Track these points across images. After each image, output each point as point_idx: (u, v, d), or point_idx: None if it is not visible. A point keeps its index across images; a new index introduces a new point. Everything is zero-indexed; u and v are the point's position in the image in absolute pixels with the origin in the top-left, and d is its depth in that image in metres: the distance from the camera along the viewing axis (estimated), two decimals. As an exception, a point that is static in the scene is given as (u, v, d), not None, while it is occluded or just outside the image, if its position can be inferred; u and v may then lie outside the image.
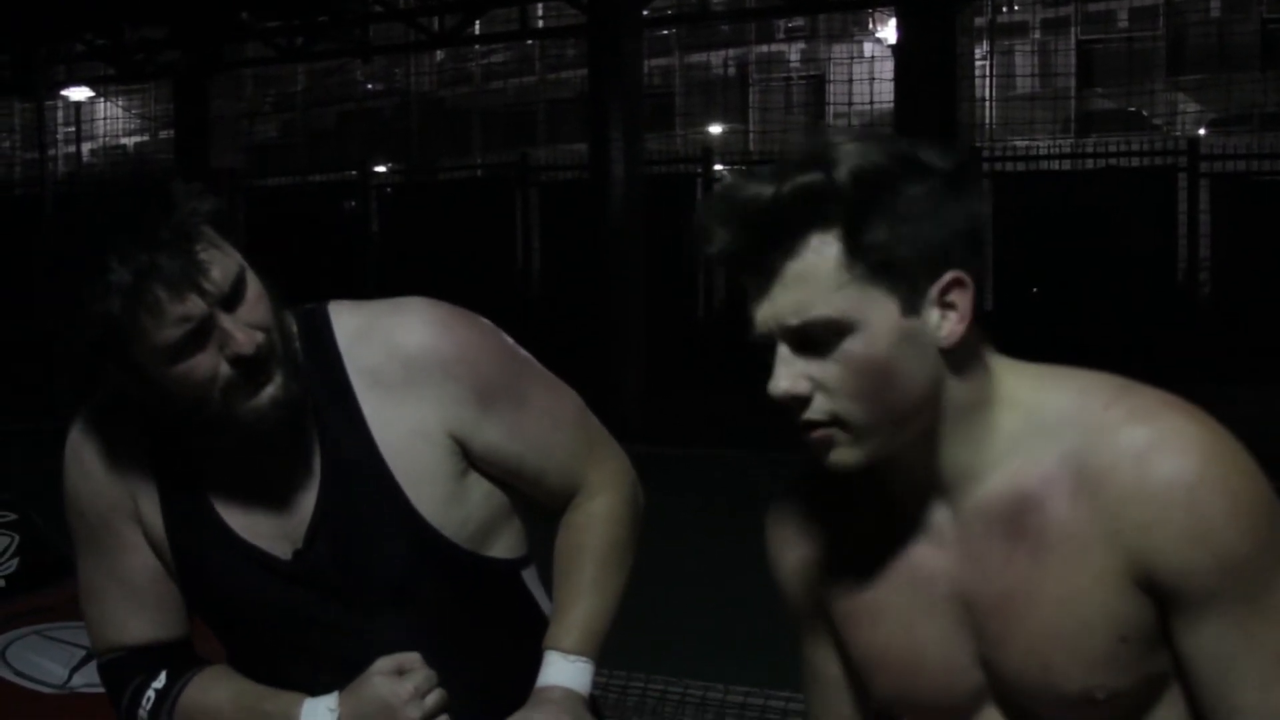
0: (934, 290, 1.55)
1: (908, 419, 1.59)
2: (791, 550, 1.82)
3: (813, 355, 1.55)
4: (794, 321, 1.54)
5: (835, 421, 1.58)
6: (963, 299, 1.56)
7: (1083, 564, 1.57)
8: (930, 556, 1.67)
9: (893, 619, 1.71)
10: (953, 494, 1.65)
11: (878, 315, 1.54)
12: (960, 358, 1.59)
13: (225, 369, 1.91)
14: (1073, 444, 1.59)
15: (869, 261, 1.52)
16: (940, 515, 1.66)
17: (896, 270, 1.53)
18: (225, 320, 1.90)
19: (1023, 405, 1.63)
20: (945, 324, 1.56)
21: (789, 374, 1.56)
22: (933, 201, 1.53)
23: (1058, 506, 1.59)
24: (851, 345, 1.54)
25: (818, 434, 1.59)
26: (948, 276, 1.55)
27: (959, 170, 1.56)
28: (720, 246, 1.55)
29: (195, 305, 1.87)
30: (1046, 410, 1.62)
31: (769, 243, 1.53)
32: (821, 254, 1.52)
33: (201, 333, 1.89)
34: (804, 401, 1.57)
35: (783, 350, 1.56)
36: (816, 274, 1.52)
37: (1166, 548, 1.54)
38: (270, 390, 1.95)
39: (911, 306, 1.54)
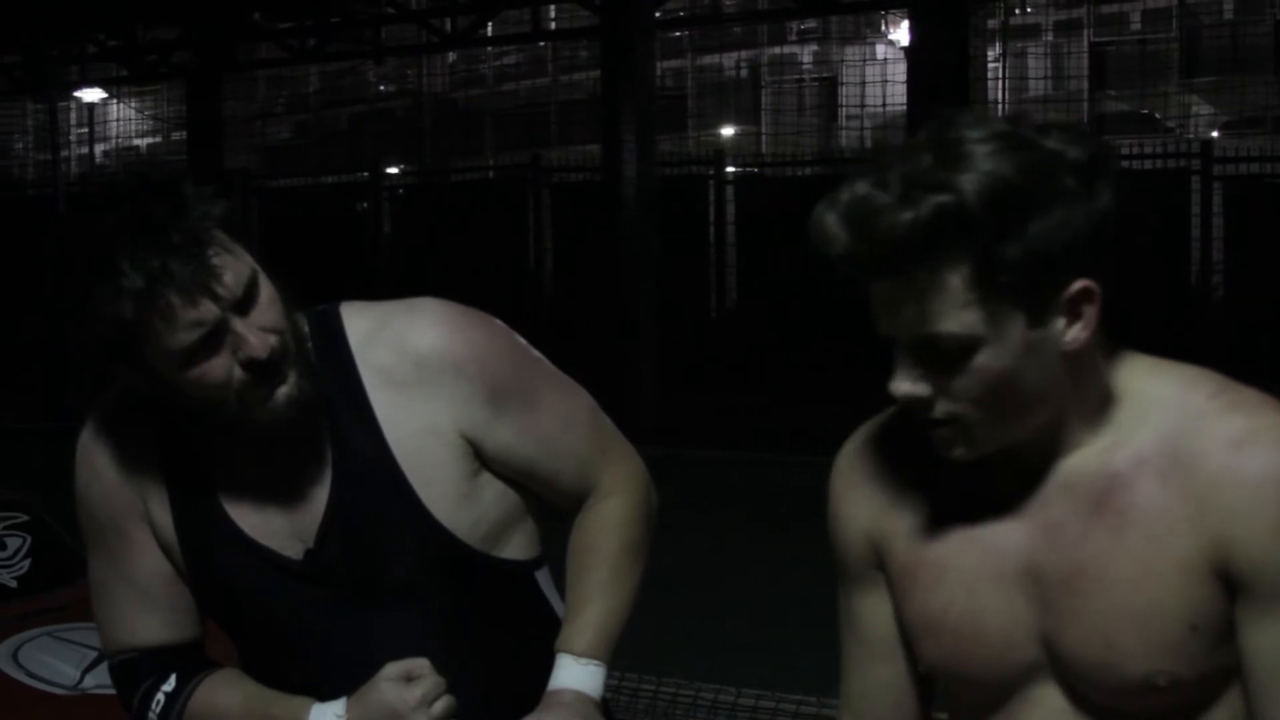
0: (1062, 299, 1.54)
1: (1026, 420, 1.59)
2: (856, 498, 1.79)
3: (935, 362, 1.55)
4: (919, 332, 1.53)
5: (954, 422, 1.58)
6: (1090, 308, 1.55)
7: (1163, 546, 1.57)
8: (1004, 524, 1.66)
9: (955, 581, 1.69)
10: (1041, 469, 1.64)
11: (1005, 330, 1.53)
12: (1081, 359, 1.59)
13: (239, 372, 1.91)
14: (1170, 427, 1.60)
15: (998, 281, 1.50)
16: (1022, 486, 1.66)
17: (1025, 287, 1.51)
18: (238, 324, 1.90)
19: (1130, 393, 1.63)
20: (1071, 331, 1.55)
21: (910, 377, 1.57)
22: (1064, 210, 1.50)
23: (1146, 486, 1.59)
24: (978, 359, 1.53)
25: (939, 432, 1.60)
26: (1076, 286, 1.54)
27: (1093, 162, 1.53)
28: (843, 252, 1.52)
29: (208, 310, 1.87)
30: (1150, 395, 1.63)
31: (897, 260, 1.50)
32: (951, 273, 1.50)
33: (214, 337, 1.89)
34: (925, 402, 1.58)
35: (902, 352, 1.56)
36: (945, 291, 1.51)
37: (1248, 537, 1.54)
38: (285, 390, 1.95)
39: (1039, 319, 1.53)
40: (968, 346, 1.53)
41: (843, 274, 1.54)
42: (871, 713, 1.85)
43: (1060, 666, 1.65)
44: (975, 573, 1.68)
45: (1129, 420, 1.62)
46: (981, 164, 1.48)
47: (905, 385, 1.57)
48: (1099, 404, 1.62)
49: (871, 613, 1.81)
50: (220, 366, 1.90)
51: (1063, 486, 1.63)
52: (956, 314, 1.51)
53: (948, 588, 1.69)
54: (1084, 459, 1.63)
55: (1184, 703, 1.62)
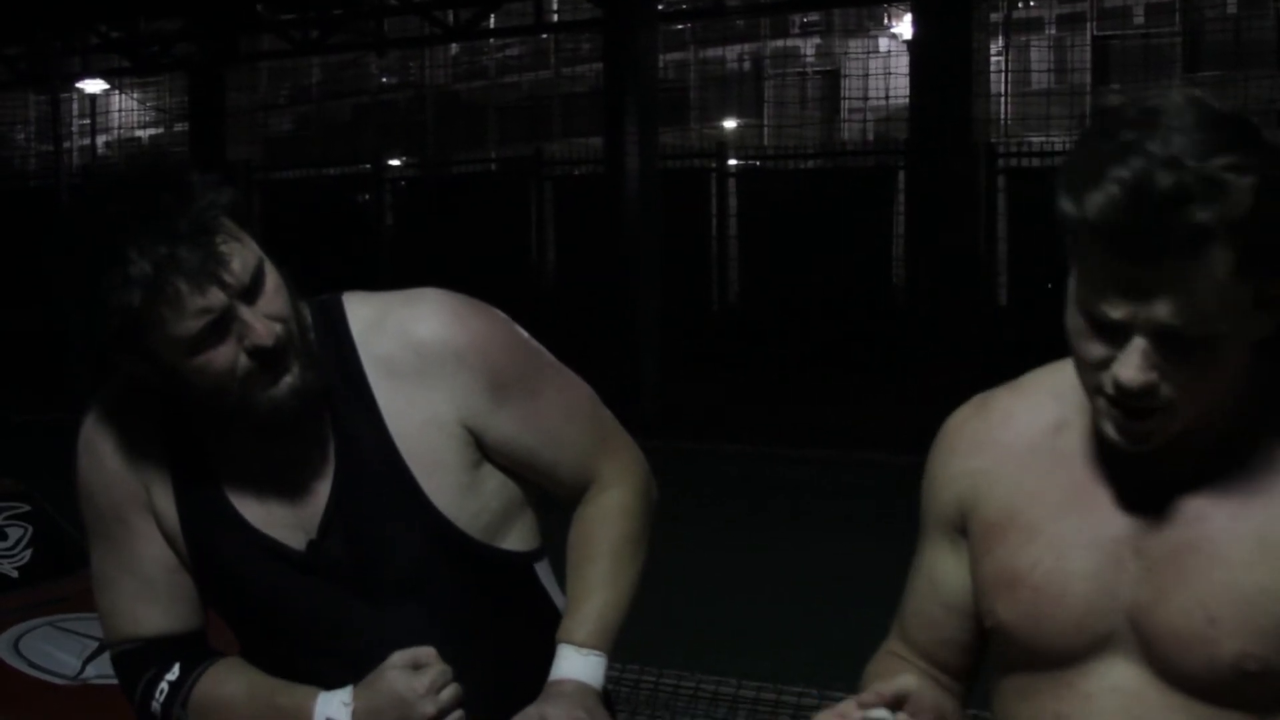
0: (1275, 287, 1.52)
1: (1216, 407, 1.59)
2: (953, 464, 1.81)
3: (1170, 352, 1.51)
4: (1171, 323, 1.48)
5: (1166, 409, 1.55)
6: None
7: None
8: (1109, 498, 1.66)
9: (1045, 542, 1.69)
10: (1159, 451, 1.62)
11: (1247, 332, 1.52)
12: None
13: (244, 360, 1.92)
14: None
15: (1258, 280, 1.48)
16: (1135, 465, 1.64)
17: (1271, 280, 1.49)
18: (245, 312, 1.90)
19: (1262, 390, 1.63)
20: (1268, 323, 1.55)
21: (1147, 367, 1.52)
22: None
23: (1273, 479, 1.60)
24: (1217, 355, 1.51)
25: (1147, 424, 1.56)
26: None
27: None
28: (1109, 225, 1.45)
29: (215, 297, 1.87)
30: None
31: (1169, 240, 1.44)
32: (1218, 266, 1.45)
33: (221, 324, 1.89)
34: (1151, 389, 1.54)
35: (1141, 342, 1.51)
36: (1208, 286, 1.46)
37: None
38: (288, 380, 1.95)
39: (1261, 305, 1.51)
40: (1212, 346, 1.50)
41: (1076, 237, 1.49)
42: (921, 638, 1.89)
43: (1147, 639, 1.63)
44: (1068, 537, 1.67)
45: (1260, 414, 1.62)
46: (1264, 157, 1.45)
47: (1142, 376, 1.51)
48: (1236, 395, 1.62)
49: (945, 568, 1.84)
50: (226, 354, 1.91)
51: (1185, 470, 1.63)
52: (1214, 313, 1.47)
53: (1036, 548, 1.69)
54: (1209, 446, 1.62)
55: (1261, 696, 1.60)
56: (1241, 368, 1.58)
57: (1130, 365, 1.52)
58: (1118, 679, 1.66)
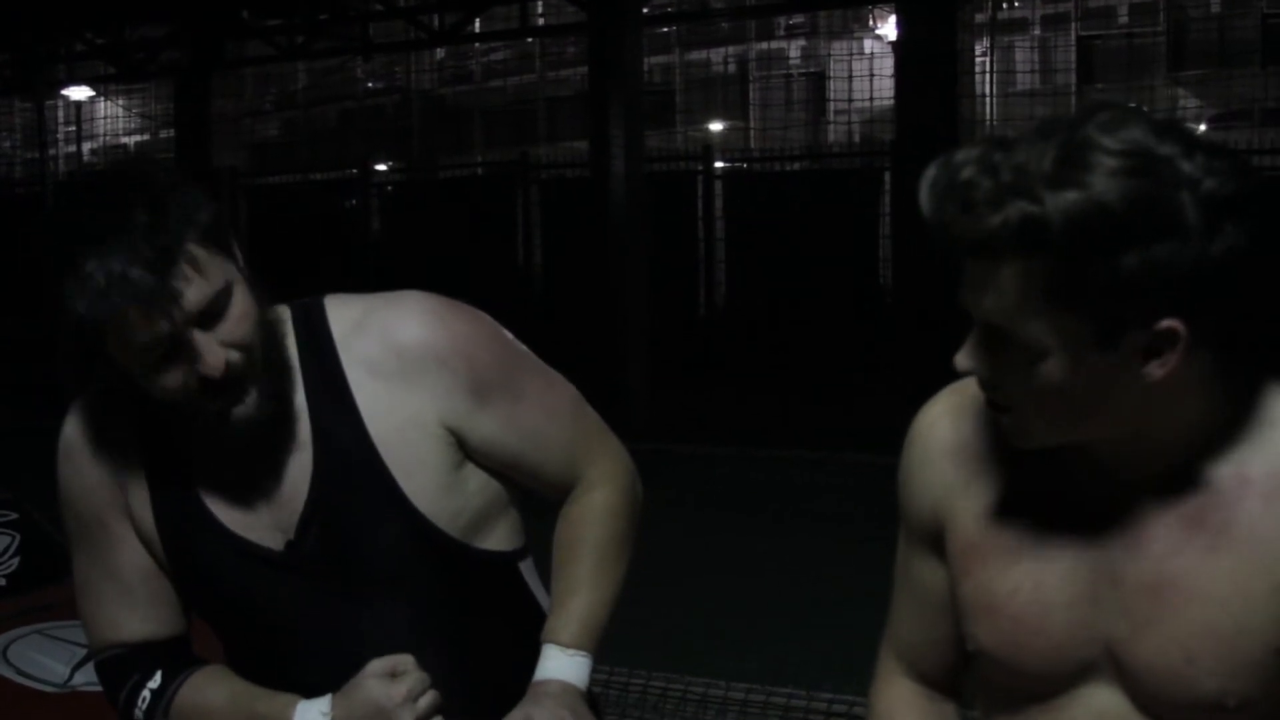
0: (1142, 334, 1.46)
1: (1082, 428, 1.56)
2: (929, 471, 1.77)
3: (1000, 351, 1.51)
4: (987, 319, 1.50)
5: (1009, 410, 1.56)
6: (1171, 351, 1.47)
7: (1258, 568, 1.55)
8: (1086, 524, 1.63)
9: (1023, 570, 1.66)
10: (1132, 476, 1.60)
11: (1071, 347, 1.47)
12: (1168, 387, 1.51)
13: (195, 383, 1.91)
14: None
15: (1074, 303, 1.44)
16: (1110, 489, 1.62)
17: (1103, 314, 1.44)
18: (199, 339, 1.89)
19: (1255, 419, 1.58)
20: (1147, 367, 1.48)
21: (973, 355, 1.54)
22: (1171, 246, 1.40)
23: (1251, 507, 1.56)
24: (1038, 365, 1.49)
25: (1003, 418, 1.58)
26: (1161, 325, 1.45)
27: (1230, 199, 1.42)
28: (931, 221, 1.49)
29: (161, 327, 1.86)
30: (1263, 414, 1.58)
31: (979, 251, 1.46)
32: (1027, 280, 1.44)
33: (171, 350, 1.89)
34: (983, 382, 1.56)
35: (976, 331, 1.53)
36: (1015, 294, 1.46)
37: None
38: (241, 410, 1.95)
39: (1110, 347, 1.47)
40: (1028, 352, 1.49)
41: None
42: (916, 659, 1.88)
43: (1125, 673, 1.62)
44: (1047, 566, 1.65)
45: (1243, 443, 1.57)
46: (1093, 182, 1.39)
47: (966, 362, 1.55)
48: (1206, 425, 1.57)
49: (928, 575, 1.81)
50: (176, 377, 1.91)
51: (1156, 497, 1.60)
52: (1023, 319, 1.46)
53: (1015, 575, 1.66)
54: (1183, 473, 1.58)
55: None
56: (1137, 403, 1.52)
57: (961, 348, 1.55)
58: (1101, 706, 1.65)
